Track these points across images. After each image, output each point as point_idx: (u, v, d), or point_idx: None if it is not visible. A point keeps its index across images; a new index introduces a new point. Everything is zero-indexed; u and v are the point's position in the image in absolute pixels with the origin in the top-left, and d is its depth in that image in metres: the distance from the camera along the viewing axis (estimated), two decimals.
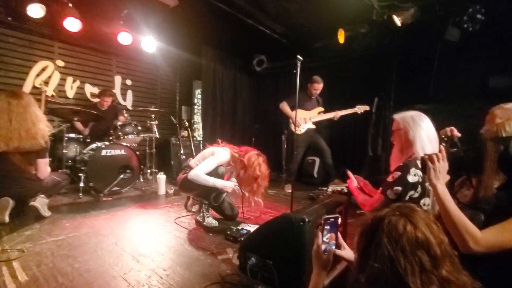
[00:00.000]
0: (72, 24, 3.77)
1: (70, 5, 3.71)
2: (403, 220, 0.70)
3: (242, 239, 2.11)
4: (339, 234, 1.06)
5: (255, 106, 6.55)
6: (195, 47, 5.33)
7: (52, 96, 3.90)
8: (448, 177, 1.15)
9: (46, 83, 3.99)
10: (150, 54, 4.92)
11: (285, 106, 4.06)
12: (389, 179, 1.44)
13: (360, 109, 4.03)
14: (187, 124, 4.81)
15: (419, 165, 1.30)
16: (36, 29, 3.88)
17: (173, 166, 4.89)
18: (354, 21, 4.07)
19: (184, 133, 5.07)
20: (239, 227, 2.35)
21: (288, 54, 5.23)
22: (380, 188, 1.49)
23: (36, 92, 3.76)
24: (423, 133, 1.45)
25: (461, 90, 3.57)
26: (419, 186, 1.40)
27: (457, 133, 1.74)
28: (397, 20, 3.50)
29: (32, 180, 2.43)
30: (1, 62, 3.63)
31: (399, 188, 1.39)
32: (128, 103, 5.07)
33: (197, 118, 6.49)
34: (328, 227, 1.03)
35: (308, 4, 3.88)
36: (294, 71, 2.56)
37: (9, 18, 3.61)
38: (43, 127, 2.38)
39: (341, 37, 4.17)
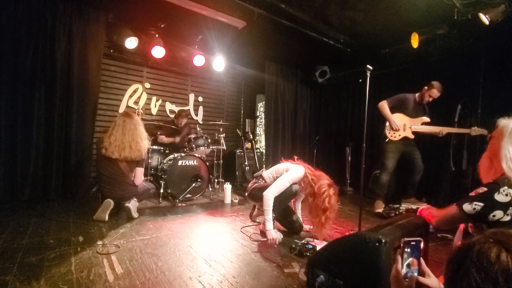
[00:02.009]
0: (158, 51, 4.41)
1: (157, 35, 4.37)
2: (496, 248, 0.61)
3: (308, 254, 2.09)
4: (422, 260, 0.97)
5: (316, 118, 6.45)
6: (258, 62, 5.59)
7: (140, 113, 4.57)
8: None
9: (136, 102, 4.70)
10: (219, 72, 5.35)
11: (385, 106, 3.60)
12: (471, 193, 1.29)
13: (475, 131, 3.30)
14: (251, 136, 5.02)
15: None
16: (130, 58, 4.65)
17: (238, 176, 5.13)
18: (430, 23, 3.72)
19: (248, 145, 5.29)
20: (304, 241, 2.33)
21: (352, 63, 5.05)
22: (456, 202, 1.34)
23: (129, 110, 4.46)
24: None
25: None
26: None
27: None
28: (485, 19, 3.08)
29: (131, 185, 2.92)
30: (105, 87, 4.43)
31: (480, 204, 1.23)
32: (199, 117, 5.57)
33: (259, 130, 6.71)
34: (408, 250, 0.95)
35: (374, 10, 3.71)
36: (360, 80, 2.47)
37: (111, 51, 4.43)
38: (146, 143, 2.93)
39: (414, 42, 3.84)
